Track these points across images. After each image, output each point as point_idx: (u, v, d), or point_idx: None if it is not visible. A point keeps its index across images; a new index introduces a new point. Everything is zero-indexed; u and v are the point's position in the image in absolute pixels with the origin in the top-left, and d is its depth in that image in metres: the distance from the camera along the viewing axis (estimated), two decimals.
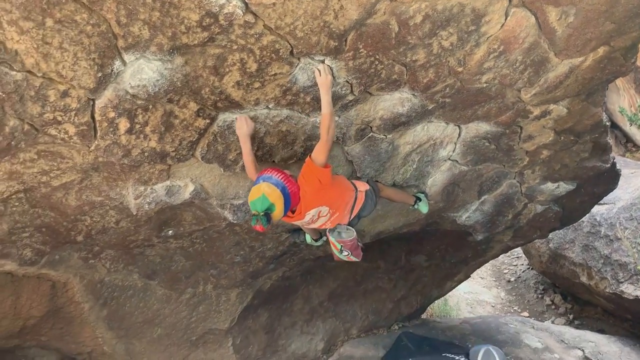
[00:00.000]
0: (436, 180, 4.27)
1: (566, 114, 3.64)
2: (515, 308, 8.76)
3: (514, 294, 9.18)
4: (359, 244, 3.70)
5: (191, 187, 3.44)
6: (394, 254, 5.95)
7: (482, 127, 3.80)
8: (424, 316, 7.78)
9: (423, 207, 4.20)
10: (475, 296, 9.10)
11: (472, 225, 5.06)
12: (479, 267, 6.79)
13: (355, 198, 3.48)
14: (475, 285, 9.42)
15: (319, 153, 2.94)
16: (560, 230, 7.65)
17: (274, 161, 3.43)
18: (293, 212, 3.07)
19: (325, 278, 5.77)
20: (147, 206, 3.40)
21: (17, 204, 3.17)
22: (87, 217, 3.46)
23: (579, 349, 6.12)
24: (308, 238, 4.26)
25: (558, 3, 2.67)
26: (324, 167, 2.98)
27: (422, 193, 4.25)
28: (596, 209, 7.34)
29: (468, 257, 6.18)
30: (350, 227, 3.58)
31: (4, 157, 2.79)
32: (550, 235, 8.07)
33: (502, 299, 9.06)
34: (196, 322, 4.98)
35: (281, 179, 2.89)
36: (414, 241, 5.72)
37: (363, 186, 3.60)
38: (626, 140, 11.89)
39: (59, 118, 2.67)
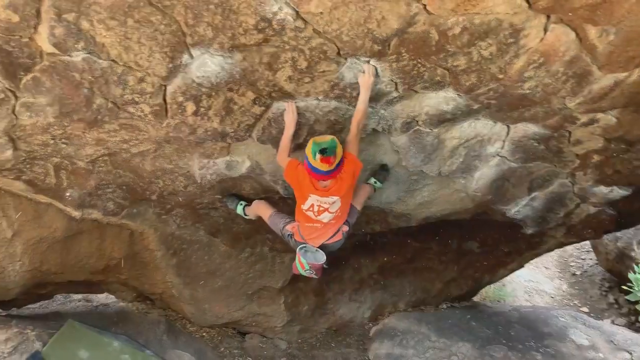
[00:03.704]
0: (484, 174, 4.39)
1: (615, 123, 3.64)
2: (576, 302, 8.63)
3: (576, 287, 9.01)
4: (324, 266, 3.85)
5: (248, 163, 3.87)
6: (446, 238, 6.13)
7: (530, 129, 3.88)
8: (476, 298, 7.92)
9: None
10: (535, 285, 9.04)
11: (522, 219, 5.13)
12: (532, 259, 6.80)
13: (340, 228, 3.72)
14: (537, 274, 9.34)
15: (353, 148, 3.29)
16: (630, 230, 7.41)
17: None
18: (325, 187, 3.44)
19: (376, 252, 6.09)
20: (209, 176, 3.89)
21: (102, 165, 3.76)
22: (160, 181, 4.00)
23: (628, 351, 6.04)
24: (239, 209, 4.31)
25: (597, 22, 2.73)
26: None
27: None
28: None
29: (522, 248, 6.23)
30: (320, 250, 3.75)
31: (93, 127, 3.34)
32: (619, 234, 7.84)
33: (563, 292, 8.94)
34: (253, 279, 5.51)
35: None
36: (466, 228, 5.87)
37: (346, 226, 3.80)
38: None
39: (137, 99, 3.16)
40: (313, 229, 3.67)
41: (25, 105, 3.14)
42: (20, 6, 2.63)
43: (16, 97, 3.09)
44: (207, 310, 5.75)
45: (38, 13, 2.66)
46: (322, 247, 3.77)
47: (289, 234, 3.87)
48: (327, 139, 3.27)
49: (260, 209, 4.16)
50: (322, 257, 3.73)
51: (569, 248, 9.58)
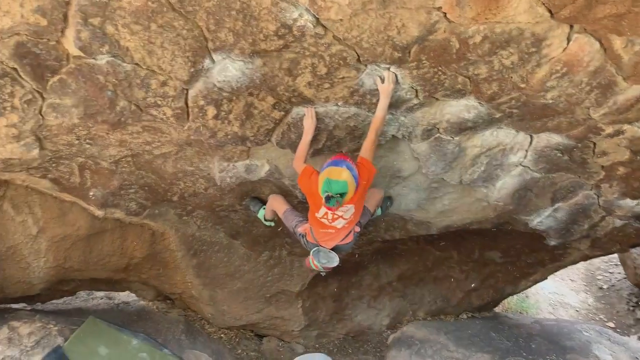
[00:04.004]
0: (506, 183, 4.33)
1: None
2: (601, 317, 8.43)
3: (603, 302, 8.80)
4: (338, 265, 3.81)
5: (267, 167, 3.90)
6: (468, 247, 6.07)
7: (554, 139, 3.82)
8: (498, 309, 7.80)
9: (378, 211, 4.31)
10: (560, 297, 8.87)
11: (545, 230, 5.04)
12: (556, 271, 6.66)
13: (352, 229, 3.69)
14: (563, 286, 9.15)
15: (369, 155, 3.26)
16: None
17: (341, 152, 3.77)
18: None
19: (396, 260, 6.06)
20: (228, 180, 3.93)
21: (125, 165, 3.84)
22: (181, 182, 4.06)
23: None
24: (261, 213, 4.37)
25: (622, 33, 2.67)
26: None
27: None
28: None
29: (545, 259, 6.11)
30: (333, 252, 3.74)
31: (116, 128, 3.42)
32: None
33: (589, 305, 8.74)
34: (271, 282, 5.54)
35: (357, 174, 3.27)
36: (488, 237, 5.79)
37: (357, 227, 3.78)
38: None
39: (159, 102, 3.22)
40: (326, 234, 3.67)
41: (52, 106, 3.23)
42: (49, 10, 2.71)
43: (43, 98, 3.18)
44: (226, 312, 5.81)
45: (65, 17, 2.74)
46: (333, 248, 3.77)
47: (300, 234, 3.88)
48: (337, 177, 3.17)
49: (275, 204, 4.17)
50: (335, 259, 3.73)
51: (596, 261, 9.38)
